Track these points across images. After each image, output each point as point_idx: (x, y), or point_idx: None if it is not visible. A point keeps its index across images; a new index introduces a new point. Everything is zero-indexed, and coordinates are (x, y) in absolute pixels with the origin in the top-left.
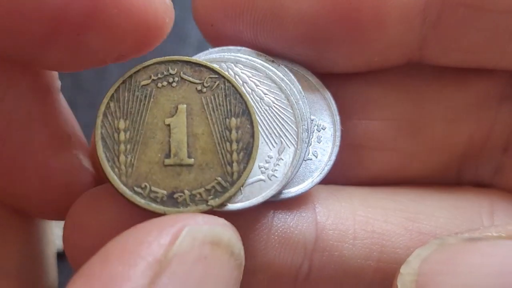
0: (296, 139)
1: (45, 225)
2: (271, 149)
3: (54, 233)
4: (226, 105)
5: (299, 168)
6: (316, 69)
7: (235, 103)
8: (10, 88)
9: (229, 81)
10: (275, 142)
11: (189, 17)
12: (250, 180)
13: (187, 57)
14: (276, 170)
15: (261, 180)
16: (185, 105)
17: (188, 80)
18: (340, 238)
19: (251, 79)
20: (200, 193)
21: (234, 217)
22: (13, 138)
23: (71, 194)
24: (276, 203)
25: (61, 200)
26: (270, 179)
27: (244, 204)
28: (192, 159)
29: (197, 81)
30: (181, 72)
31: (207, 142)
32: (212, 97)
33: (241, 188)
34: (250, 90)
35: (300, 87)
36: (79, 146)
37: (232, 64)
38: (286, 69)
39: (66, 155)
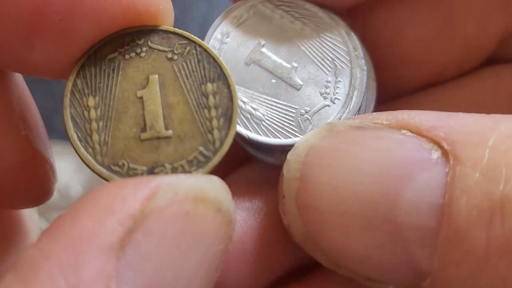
0: (348, 58)
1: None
2: (327, 74)
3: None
4: (200, 71)
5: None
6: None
7: (209, 68)
8: None
9: (200, 46)
10: (330, 66)
11: (189, 17)
12: (315, 108)
13: (154, 26)
14: (337, 92)
15: (326, 105)
16: (156, 75)
17: (156, 49)
18: None
19: (289, 12)
20: (182, 165)
21: None
22: None
23: (22, 178)
24: None
25: (12, 184)
26: (334, 103)
27: None
28: (170, 131)
29: (167, 48)
30: (149, 41)
31: (184, 112)
32: (184, 63)
33: (309, 118)
34: (289, 22)
35: None
36: (32, 127)
37: (267, 2)
38: None
39: (13, 136)
